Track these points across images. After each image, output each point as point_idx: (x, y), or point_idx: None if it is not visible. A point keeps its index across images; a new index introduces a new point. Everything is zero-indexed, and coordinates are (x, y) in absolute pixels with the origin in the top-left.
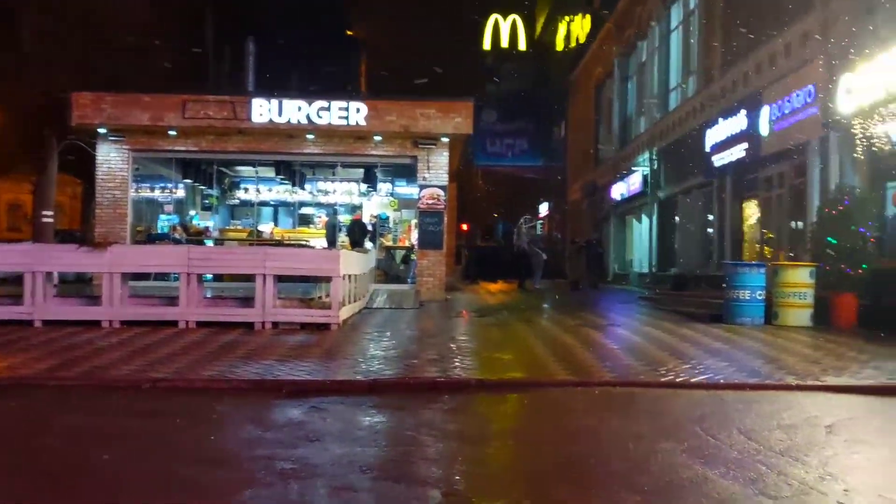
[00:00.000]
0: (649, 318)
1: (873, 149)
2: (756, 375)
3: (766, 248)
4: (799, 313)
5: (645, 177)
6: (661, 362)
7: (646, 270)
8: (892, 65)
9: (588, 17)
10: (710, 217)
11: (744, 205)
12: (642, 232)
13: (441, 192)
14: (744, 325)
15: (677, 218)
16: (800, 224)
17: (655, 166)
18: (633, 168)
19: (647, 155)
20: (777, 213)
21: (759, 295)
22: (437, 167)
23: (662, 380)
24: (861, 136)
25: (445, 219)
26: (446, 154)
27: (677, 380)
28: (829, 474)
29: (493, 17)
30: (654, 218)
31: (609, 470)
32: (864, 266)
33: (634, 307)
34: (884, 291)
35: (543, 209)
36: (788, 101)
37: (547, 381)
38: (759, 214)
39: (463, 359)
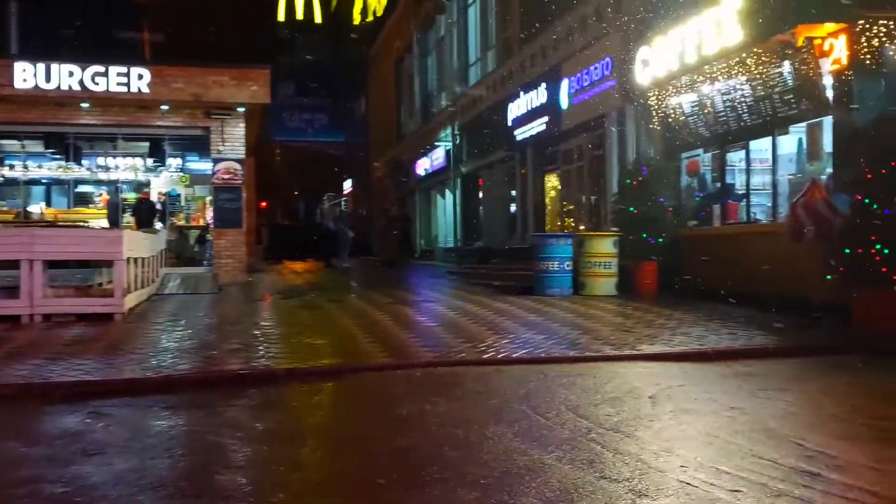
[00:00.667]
0: (462, 292)
1: (669, 120)
2: (575, 347)
3: (567, 219)
4: (604, 283)
5: (448, 151)
6: (481, 338)
7: (451, 245)
8: (685, 38)
9: None
10: (514, 191)
11: (546, 177)
12: (447, 207)
13: (238, 167)
14: (553, 296)
15: (481, 192)
16: (599, 196)
17: (458, 141)
18: (436, 143)
19: (449, 130)
20: (578, 184)
21: (568, 266)
22: (233, 139)
23: (485, 357)
24: (657, 108)
25: (244, 195)
26: (242, 125)
27: (499, 356)
28: (663, 450)
29: None
30: (459, 192)
31: (442, 462)
32: (663, 235)
33: (445, 282)
34: (682, 258)
35: (348, 186)
36: (587, 75)
37: (365, 366)
38: (560, 186)
39: (269, 347)
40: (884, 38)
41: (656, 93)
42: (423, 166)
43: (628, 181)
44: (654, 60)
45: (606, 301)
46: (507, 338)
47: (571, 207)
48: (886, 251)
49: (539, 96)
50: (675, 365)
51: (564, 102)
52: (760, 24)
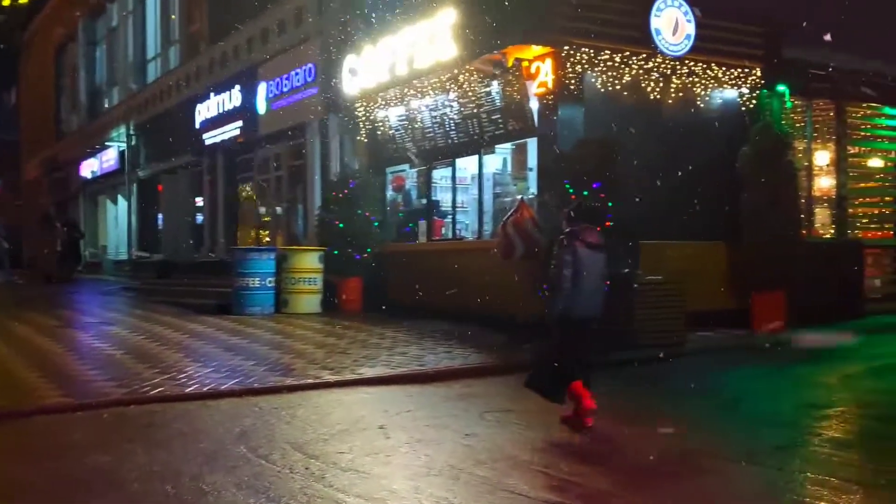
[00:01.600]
0: (146, 311)
1: (376, 133)
2: (290, 374)
3: (263, 232)
4: (309, 299)
5: (122, 153)
6: (179, 367)
7: (124, 257)
8: (396, 49)
9: None
10: (201, 199)
11: (239, 186)
12: (119, 214)
13: None
14: (255, 314)
15: (161, 200)
16: (300, 209)
17: (134, 142)
18: (107, 143)
19: (123, 129)
20: (276, 195)
21: (270, 282)
22: None
23: (188, 390)
24: (364, 119)
25: None
26: None
27: (205, 388)
28: (412, 490)
29: None
30: (134, 199)
31: None
32: (368, 250)
33: (122, 300)
34: (387, 274)
35: None
36: (287, 80)
37: (34, 408)
38: (256, 197)
39: None
40: (586, 66)
41: (364, 104)
42: (89, 168)
43: (333, 194)
44: (362, 70)
45: (313, 319)
46: (210, 366)
47: (268, 219)
48: None
49: (233, 99)
50: (399, 389)
51: (262, 107)
52: (473, 42)
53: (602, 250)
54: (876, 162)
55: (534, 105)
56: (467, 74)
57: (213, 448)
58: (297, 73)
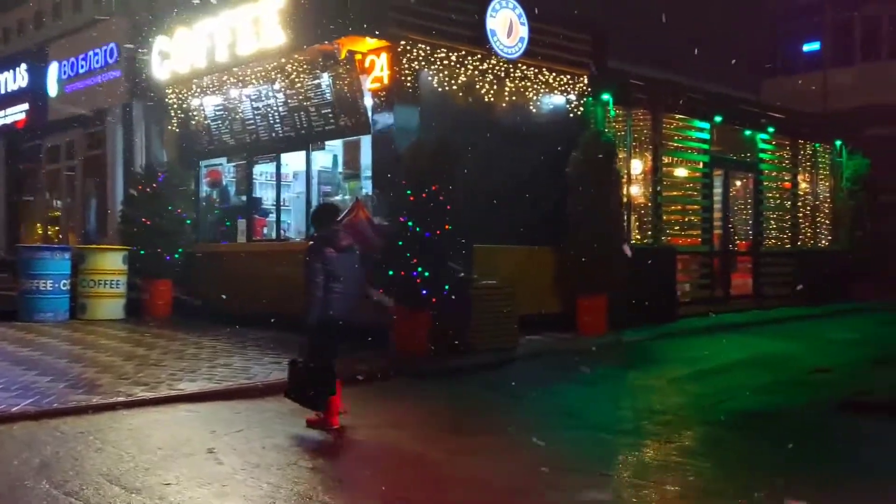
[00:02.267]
0: None
1: (190, 123)
2: (96, 391)
3: (53, 228)
4: (111, 304)
5: None
6: None
7: None
8: (215, 33)
9: None
10: None
11: (20, 175)
12: None
13: None
14: (46, 321)
15: None
16: (99, 203)
17: None
18: None
19: None
20: (69, 187)
21: (65, 285)
22: None
23: None
24: (176, 108)
25: None
26: None
27: None
28: None
29: None
30: None
31: None
32: (180, 250)
33: None
34: (199, 277)
35: None
36: (84, 61)
37: None
38: (45, 188)
39: None
40: (423, 63)
41: (176, 91)
42: None
43: (140, 188)
44: (175, 53)
45: (117, 327)
46: None
47: (58, 214)
48: (427, 274)
49: (19, 78)
50: (226, 405)
51: (53, 89)
52: (303, 30)
53: (353, 253)
54: (682, 171)
55: (367, 101)
56: (296, 64)
57: (7, 484)
58: (95, 54)
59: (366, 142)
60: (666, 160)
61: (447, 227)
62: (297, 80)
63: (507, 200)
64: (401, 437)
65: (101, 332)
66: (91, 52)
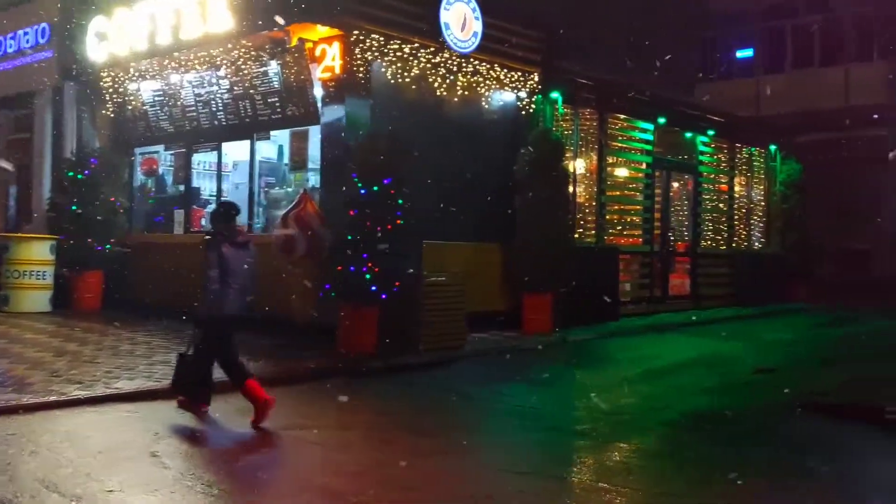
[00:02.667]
0: None
1: (126, 108)
2: (27, 390)
3: None
4: (37, 296)
5: None
6: None
7: None
8: (157, 14)
9: None
10: None
11: None
12: None
13: None
14: None
15: None
16: (23, 189)
17: None
18: None
19: None
20: None
21: None
22: None
23: None
24: (111, 92)
25: None
26: None
27: None
28: None
29: None
30: None
31: None
32: (111, 241)
33: None
34: (131, 269)
35: None
36: (13, 40)
37: None
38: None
39: None
40: (375, 54)
41: (112, 74)
42: None
43: (70, 174)
44: (113, 35)
45: (44, 320)
46: None
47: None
48: (377, 269)
49: None
50: (167, 405)
51: None
52: (251, 15)
53: (248, 249)
54: (625, 171)
55: (317, 91)
56: (243, 51)
57: None
58: (25, 33)
59: (313, 132)
60: (610, 160)
61: (399, 221)
62: (243, 66)
63: (455, 196)
64: (352, 439)
65: (27, 325)
66: (21, 32)
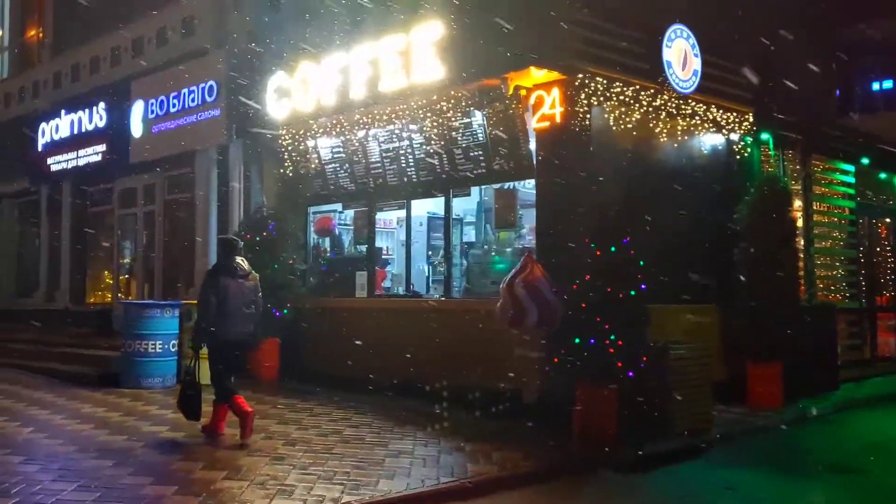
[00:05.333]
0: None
1: (299, 166)
2: (286, 494)
3: (123, 277)
4: None
5: None
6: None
7: None
8: (350, 67)
9: None
10: (31, 235)
11: (88, 221)
12: None
13: None
14: (154, 388)
15: None
16: (183, 252)
17: None
18: None
19: None
20: (149, 234)
21: (174, 346)
22: None
23: None
24: (288, 149)
25: None
26: None
27: None
28: None
29: None
30: None
31: None
32: (288, 305)
33: None
34: (309, 334)
35: None
36: (176, 98)
37: None
38: (115, 234)
39: None
40: (600, 97)
41: (289, 131)
42: None
43: (248, 236)
44: (296, 91)
45: None
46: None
47: (129, 261)
48: (620, 342)
49: (95, 118)
50: None
51: (137, 130)
52: (464, 64)
53: (247, 279)
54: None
55: (531, 142)
56: (445, 102)
57: None
58: (191, 92)
59: (524, 187)
60: (817, 207)
61: (640, 286)
62: (442, 119)
63: (668, 252)
64: None
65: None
66: (185, 90)
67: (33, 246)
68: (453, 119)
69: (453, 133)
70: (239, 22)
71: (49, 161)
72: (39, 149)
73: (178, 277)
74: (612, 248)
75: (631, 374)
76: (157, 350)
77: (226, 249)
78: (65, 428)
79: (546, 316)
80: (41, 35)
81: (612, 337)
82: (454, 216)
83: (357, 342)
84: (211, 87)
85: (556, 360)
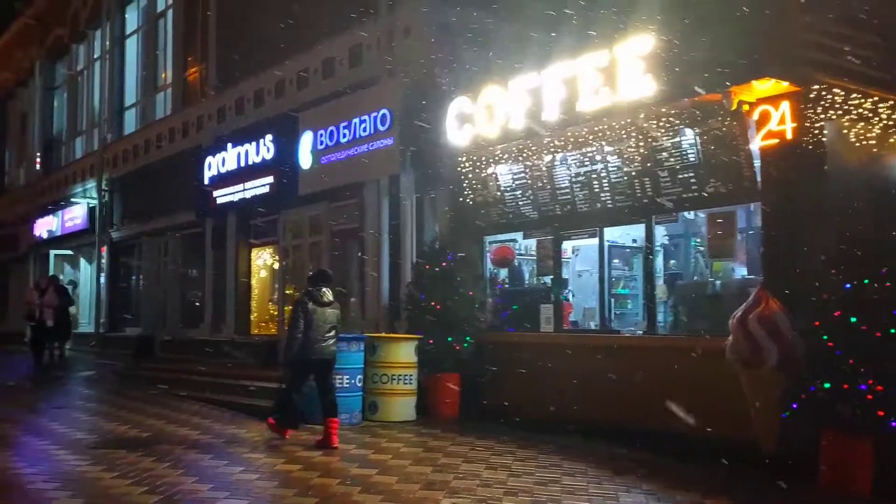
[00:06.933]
0: (178, 413)
1: (480, 194)
2: None
3: (288, 308)
4: (404, 403)
5: (92, 210)
6: None
7: (91, 329)
8: (542, 89)
9: None
10: (196, 268)
11: (253, 253)
12: (83, 280)
13: None
14: (342, 424)
15: (140, 264)
16: (352, 282)
17: (107, 199)
18: (73, 200)
19: (93, 184)
20: (317, 265)
21: (359, 380)
22: None
23: None
24: (467, 176)
25: None
26: None
27: None
28: None
29: None
30: (105, 263)
31: None
32: (468, 339)
33: (125, 390)
34: (491, 371)
35: None
36: (347, 128)
37: None
38: (278, 266)
39: None
40: (837, 111)
41: (469, 158)
42: (46, 226)
43: (427, 267)
44: (479, 117)
45: (424, 433)
46: None
47: (294, 292)
48: (878, 387)
49: (262, 150)
50: None
51: (306, 162)
52: (678, 78)
53: (330, 307)
54: None
55: (756, 161)
56: (655, 120)
57: None
58: (362, 121)
59: (744, 212)
60: None
61: None
62: (647, 138)
63: None
64: None
65: (419, 441)
66: (357, 120)
67: (198, 277)
68: (661, 138)
69: (659, 154)
70: (410, 49)
71: (215, 194)
72: (206, 182)
73: (344, 309)
74: (866, 280)
75: (895, 423)
76: (344, 385)
77: (316, 279)
78: (274, 468)
79: (787, 356)
80: (204, 72)
81: (869, 382)
82: (645, 245)
83: (544, 380)
84: (384, 115)
85: (795, 405)
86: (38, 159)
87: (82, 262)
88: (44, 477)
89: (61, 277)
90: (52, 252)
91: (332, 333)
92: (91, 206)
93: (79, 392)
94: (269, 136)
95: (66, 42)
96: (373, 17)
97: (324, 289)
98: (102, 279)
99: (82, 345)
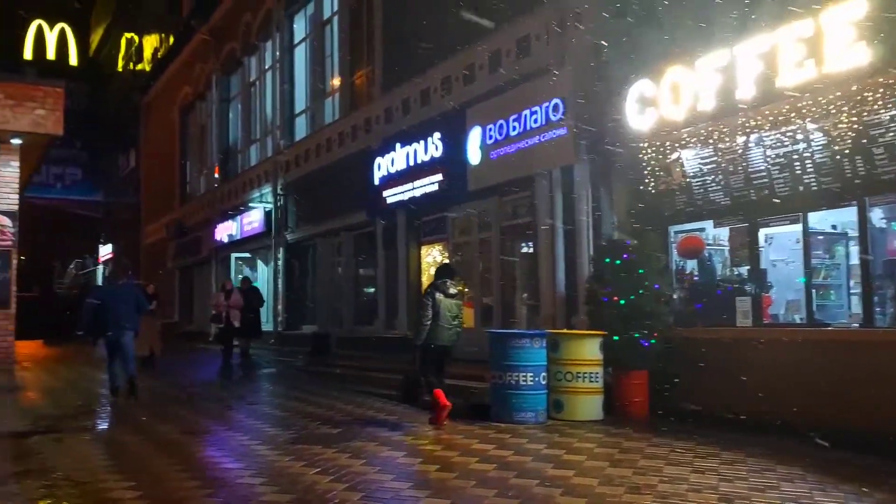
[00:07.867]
0: (368, 410)
1: (663, 181)
2: None
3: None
4: (590, 401)
5: (268, 214)
6: None
7: (270, 328)
8: (733, 65)
9: (158, 35)
10: (368, 266)
11: (422, 250)
12: (264, 281)
13: (8, 222)
14: (526, 422)
15: (315, 265)
16: (522, 278)
17: (282, 203)
18: (250, 205)
19: (268, 190)
20: (485, 261)
21: (543, 378)
22: (2, 183)
23: None
24: (646, 164)
25: (14, 262)
26: (17, 164)
27: None
28: None
29: (37, 22)
30: (282, 264)
31: None
32: (656, 335)
33: (309, 386)
34: (682, 368)
35: (106, 251)
36: (517, 121)
37: None
38: (448, 262)
39: None
40: None
41: (651, 144)
42: (226, 231)
43: (607, 260)
44: (664, 99)
45: (617, 434)
46: None
47: (464, 289)
48: None
49: (430, 149)
50: None
51: (475, 157)
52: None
53: (458, 298)
54: None
55: None
56: (871, 92)
57: None
58: (532, 113)
59: None
60: None
61: None
62: (860, 112)
63: None
64: None
65: (612, 441)
66: (527, 112)
67: (371, 276)
68: (878, 112)
69: (875, 129)
70: (581, 35)
71: (385, 194)
72: (376, 182)
73: (514, 305)
74: None
75: None
76: (529, 382)
77: (443, 273)
78: (468, 467)
79: None
80: (370, 74)
81: None
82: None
83: (743, 377)
84: (556, 105)
85: None
86: (217, 167)
87: (259, 263)
88: (250, 472)
89: (249, 277)
90: (233, 255)
91: (456, 323)
92: (267, 210)
93: (265, 388)
94: (436, 134)
95: (239, 55)
96: (540, 5)
97: (449, 282)
98: (280, 280)
99: (262, 343)
